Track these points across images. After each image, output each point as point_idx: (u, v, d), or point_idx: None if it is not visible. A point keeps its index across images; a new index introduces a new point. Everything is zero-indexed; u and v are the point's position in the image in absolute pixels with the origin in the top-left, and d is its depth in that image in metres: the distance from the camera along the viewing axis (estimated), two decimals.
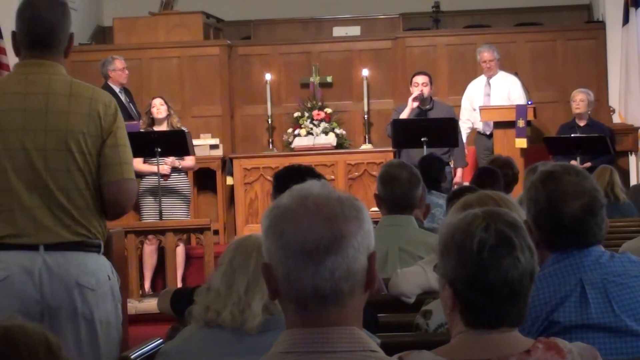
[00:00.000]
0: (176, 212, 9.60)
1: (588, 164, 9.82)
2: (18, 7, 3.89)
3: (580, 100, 10.76)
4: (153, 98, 10.09)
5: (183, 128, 9.76)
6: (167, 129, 9.66)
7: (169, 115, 9.81)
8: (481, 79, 11.05)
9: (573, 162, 9.87)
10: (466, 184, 8.55)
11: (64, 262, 3.76)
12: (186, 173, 9.94)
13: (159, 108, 9.80)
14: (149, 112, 9.87)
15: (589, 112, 10.87)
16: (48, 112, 3.79)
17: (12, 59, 11.79)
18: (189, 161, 9.80)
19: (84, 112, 3.79)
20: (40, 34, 3.84)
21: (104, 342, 3.86)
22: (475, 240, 2.30)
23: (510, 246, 2.31)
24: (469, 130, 11.02)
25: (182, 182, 9.78)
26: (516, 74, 10.95)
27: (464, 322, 2.34)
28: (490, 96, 10.88)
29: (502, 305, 2.31)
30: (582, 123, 10.77)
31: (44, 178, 3.76)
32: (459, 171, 10.28)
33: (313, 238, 1.95)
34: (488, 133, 10.66)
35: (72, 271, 3.76)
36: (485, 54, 10.93)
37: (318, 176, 4.36)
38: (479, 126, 10.88)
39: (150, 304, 8.10)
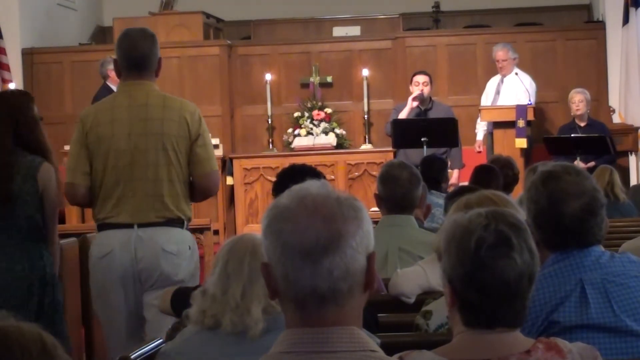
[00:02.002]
0: None
1: (592, 164, 9.81)
2: (117, 38, 4.98)
3: (579, 101, 10.75)
4: None
5: None
6: None
7: None
8: (497, 77, 11.05)
9: (577, 162, 9.89)
10: (463, 184, 8.52)
11: (153, 234, 4.78)
12: None
13: None
14: None
15: (588, 112, 10.87)
16: (147, 120, 4.80)
17: (12, 59, 11.79)
18: None
19: (175, 119, 4.80)
20: (136, 59, 4.86)
21: None
22: (473, 238, 2.30)
23: (509, 247, 2.30)
24: (485, 128, 10.97)
25: None
26: (516, 74, 10.94)
27: (462, 321, 2.34)
28: (500, 94, 10.88)
29: (498, 306, 2.30)
30: (582, 123, 10.77)
31: (145, 171, 4.77)
32: (455, 172, 10.25)
33: (311, 238, 1.95)
34: None
35: (158, 240, 4.78)
36: (500, 53, 10.93)
37: (318, 175, 4.39)
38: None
39: None
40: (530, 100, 10.43)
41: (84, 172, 4.82)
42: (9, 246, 4.96)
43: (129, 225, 4.76)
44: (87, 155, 4.81)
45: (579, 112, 10.73)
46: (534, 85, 10.89)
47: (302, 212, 1.97)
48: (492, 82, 11.10)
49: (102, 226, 4.85)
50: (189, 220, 4.91)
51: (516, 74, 10.84)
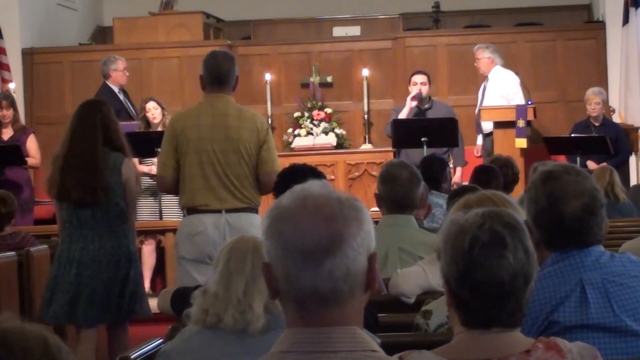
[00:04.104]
0: (170, 213, 9.54)
1: (604, 164, 9.78)
2: (204, 58, 6.06)
3: (595, 103, 10.73)
4: (145, 101, 10.02)
5: None
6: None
7: (163, 117, 9.80)
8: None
9: (590, 162, 9.90)
10: (465, 183, 8.52)
11: (238, 219, 5.86)
12: None
13: (153, 113, 9.78)
14: (143, 117, 9.84)
15: (603, 112, 10.88)
16: (226, 127, 5.90)
17: (11, 59, 11.79)
18: None
19: (248, 127, 5.92)
20: (219, 76, 6.00)
21: None
22: (468, 237, 2.29)
23: (502, 246, 2.29)
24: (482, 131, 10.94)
25: None
26: (516, 74, 10.92)
27: (460, 321, 2.34)
28: (485, 95, 10.87)
29: (491, 306, 2.29)
30: (597, 123, 10.77)
31: (224, 169, 5.87)
32: (458, 170, 10.25)
33: (312, 238, 1.95)
34: None
35: (243, 224, 5.82)
36: (475, 53, 10.93)
37: (319, 176, 4.41)
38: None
39: (151, 304, 8.09)
40: (530, 100, 10.42)
41: (173, 167, 5.90)
42: (100, 228, 5.99)
43: (218, 211, 5.84)
44: (175, 153, 5.88)
45: (594, 114, 10.74)
46: (518, 79, 10.87)
47: (303, 212, 1.97)
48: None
49: (192, 210, 5.92)
50: (260, 205, 5.98)
51: (516, 73, 10.81)
